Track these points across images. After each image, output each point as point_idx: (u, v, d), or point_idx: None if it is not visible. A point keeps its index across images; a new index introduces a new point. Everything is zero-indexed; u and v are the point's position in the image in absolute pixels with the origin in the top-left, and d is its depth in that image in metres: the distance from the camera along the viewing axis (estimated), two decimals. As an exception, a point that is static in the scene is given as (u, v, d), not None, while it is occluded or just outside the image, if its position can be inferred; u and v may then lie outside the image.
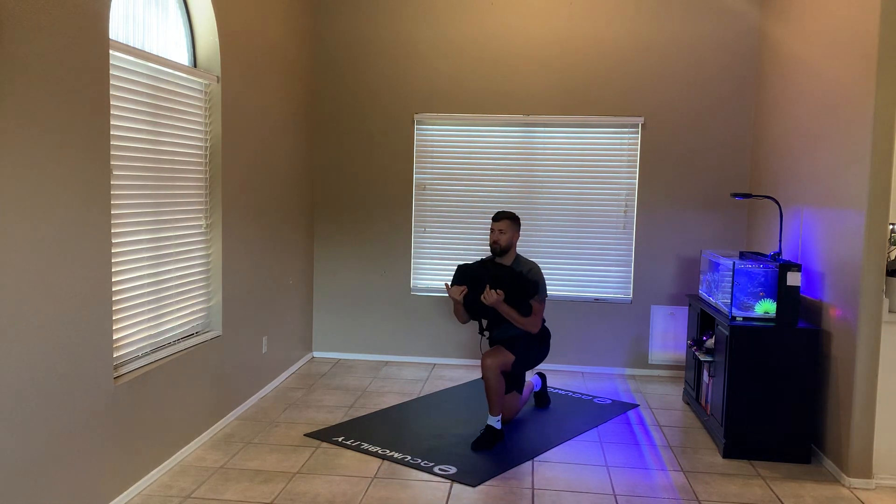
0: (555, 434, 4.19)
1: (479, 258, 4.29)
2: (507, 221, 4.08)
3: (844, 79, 3.76)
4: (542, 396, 4.70)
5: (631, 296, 5.53)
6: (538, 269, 4.10)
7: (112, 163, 3.09)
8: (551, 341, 5.57)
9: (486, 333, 4.26)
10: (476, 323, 4.27)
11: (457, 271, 4.06)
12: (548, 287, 5.56)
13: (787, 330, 3.88)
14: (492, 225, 4.10)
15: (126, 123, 3.25)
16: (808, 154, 4.19)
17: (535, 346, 4.21)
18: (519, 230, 4.17)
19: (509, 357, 4.00)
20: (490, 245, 4.11)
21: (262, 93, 4.60)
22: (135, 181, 3.33)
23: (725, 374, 3.94)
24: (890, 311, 3.52)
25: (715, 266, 4.46)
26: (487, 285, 3.89)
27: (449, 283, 4.05)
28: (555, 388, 5.08)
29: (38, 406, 2.62)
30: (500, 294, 3.86)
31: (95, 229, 2.91)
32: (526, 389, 4.47)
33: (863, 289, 3.48)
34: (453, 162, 5.62)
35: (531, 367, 4.30)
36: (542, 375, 4.75)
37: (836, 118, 3.83)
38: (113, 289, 3.10)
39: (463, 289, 3.96)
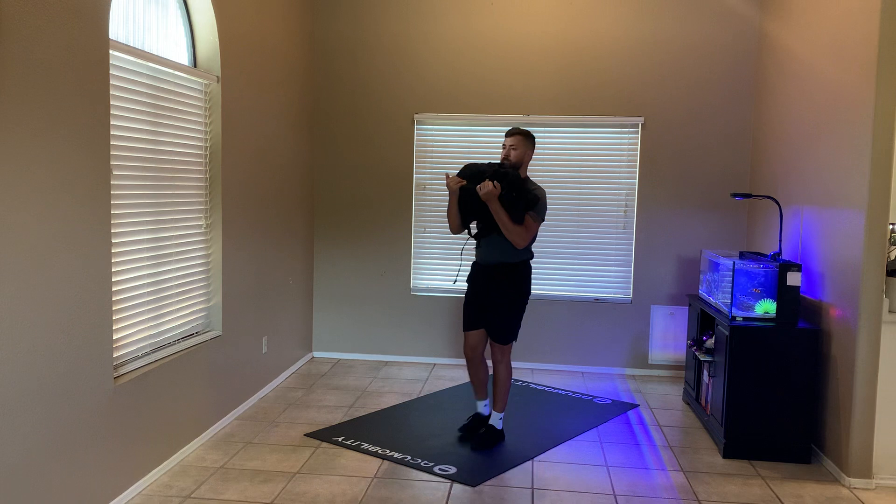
0: (555, 434, 4.19)
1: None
2: (519, 137, 3.90)
3: (844, 78, 3.76)
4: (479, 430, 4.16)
5: (631, 296, 5.53)
6: (544, 192, 3.89)
7: (112, 163, 3.09)
8: (550, 341, 5.64)
9: (476, 241, 4.02)
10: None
11: (463, 168, 3.93)
12: (547, 286, 5.65)
13: (787, 330, 3.88)
14: (504, 140, 3.94)
15: (126, 123, 3.25)
16: (808, 154, 4.19)
17: (519, 297, 3.97)
18: (532, 149, 3.96)
19: (508, 346, 3.94)
20: (500, 161, 3.93)
21: (262, 93, 4.60)
22: (135, 181, 3.33)
23: (725, 373, 3.94)
24: (890, 311, 3.52)
25: (715, 266, 4.46)
26: (487, 179, 3.72)
27: (450, 174, 3.90)
28: (555, 388, 5.08)
29: (39, 406, 2.62)
30: (497, 187, 3.68)
31: (95, 229, 2.91)
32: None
33: (863, 289, 3.48)
34: (453, 162, 5.61)
35: (524, 310, 4.04)
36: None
37: (837, 118, 3.83)
38: (113, 289, 3.10)
39: (461, 180, 3.81)
